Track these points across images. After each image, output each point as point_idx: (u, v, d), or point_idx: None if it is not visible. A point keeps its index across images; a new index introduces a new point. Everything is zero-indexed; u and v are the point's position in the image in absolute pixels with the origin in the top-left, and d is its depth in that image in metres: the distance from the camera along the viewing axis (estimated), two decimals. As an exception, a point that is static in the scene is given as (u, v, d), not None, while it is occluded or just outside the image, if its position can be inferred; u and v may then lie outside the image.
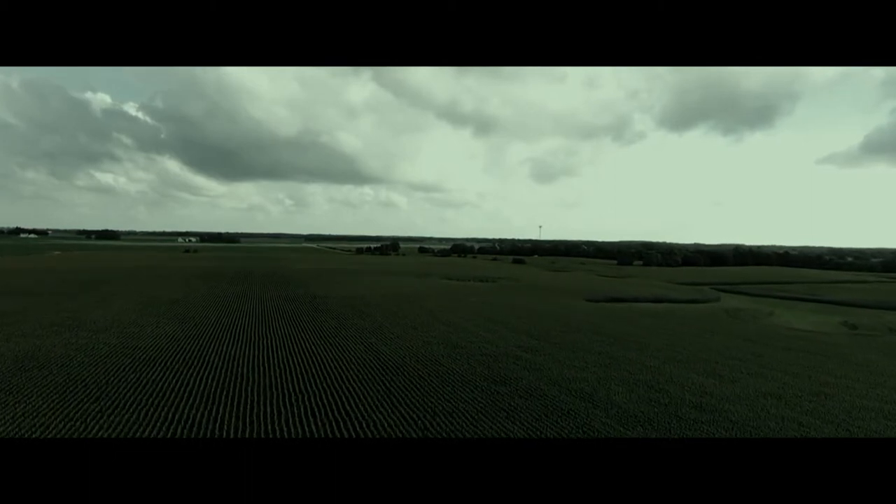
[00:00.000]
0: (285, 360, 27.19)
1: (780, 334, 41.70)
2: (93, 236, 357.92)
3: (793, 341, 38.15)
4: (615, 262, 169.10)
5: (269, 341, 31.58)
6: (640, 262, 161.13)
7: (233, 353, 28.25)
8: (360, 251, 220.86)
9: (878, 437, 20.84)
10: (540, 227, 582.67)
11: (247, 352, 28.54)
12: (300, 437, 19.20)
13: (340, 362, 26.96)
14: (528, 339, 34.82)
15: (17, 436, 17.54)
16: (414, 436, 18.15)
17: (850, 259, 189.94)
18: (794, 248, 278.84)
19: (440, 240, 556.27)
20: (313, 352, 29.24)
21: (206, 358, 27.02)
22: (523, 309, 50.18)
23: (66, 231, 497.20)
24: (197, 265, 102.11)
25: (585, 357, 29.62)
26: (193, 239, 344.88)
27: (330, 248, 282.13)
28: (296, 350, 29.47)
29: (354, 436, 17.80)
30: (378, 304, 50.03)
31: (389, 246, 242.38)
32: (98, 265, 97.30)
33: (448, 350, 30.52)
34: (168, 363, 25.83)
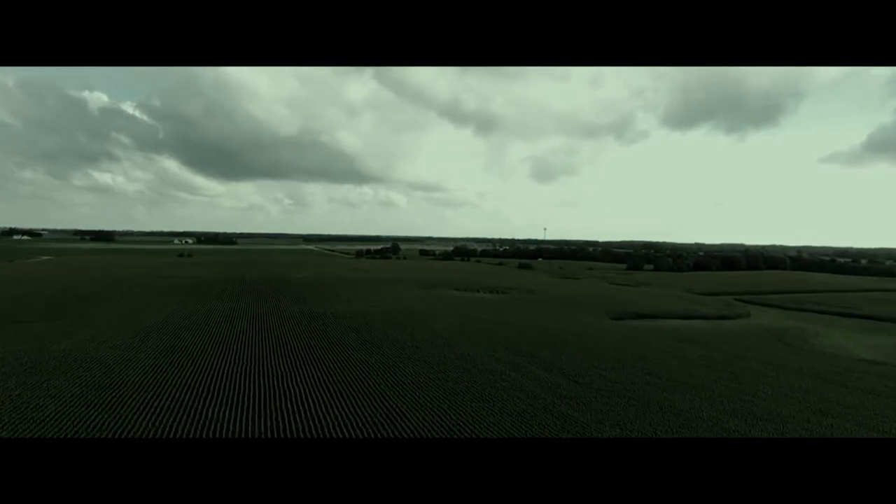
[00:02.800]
0: (273, 424, 21.57)
1: (849, 367, 36.13)
2: (88, 237, 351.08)
3: (872, 379, 32.61)
4: (624, 265, 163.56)
5: (254, 391, 25.93)
6: (651, 266, 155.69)
7: (208, 415, 22.55)
8: (359, 254, 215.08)
9: (878, 437, 20.96)
10: (545, 229, 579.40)
11: (224, 413, 22.83)
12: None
13: (346, 430, 21.33)
14: (567, 382, 29.22)
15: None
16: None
17: (863, 262, 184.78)
18: (795, 248, 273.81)
19: (440, 240, 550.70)
20: (310, 408, 23.62)
21: (175, 425, 21.35)
22: (548, 334, 44.59)
23: (62, 231, 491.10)
24: (189, 274, 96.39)
25: (647, 414, 24.04)
26: (190, 240, 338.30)
27: (329, 250, 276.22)
28: (288, 407, 23.83)
29: None
30: (384, 329, 44.40)
31: (390, 248, 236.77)
32: (83, 274, 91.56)
33: (476, 404, 24.91)
34: (123, 432, 20.16)
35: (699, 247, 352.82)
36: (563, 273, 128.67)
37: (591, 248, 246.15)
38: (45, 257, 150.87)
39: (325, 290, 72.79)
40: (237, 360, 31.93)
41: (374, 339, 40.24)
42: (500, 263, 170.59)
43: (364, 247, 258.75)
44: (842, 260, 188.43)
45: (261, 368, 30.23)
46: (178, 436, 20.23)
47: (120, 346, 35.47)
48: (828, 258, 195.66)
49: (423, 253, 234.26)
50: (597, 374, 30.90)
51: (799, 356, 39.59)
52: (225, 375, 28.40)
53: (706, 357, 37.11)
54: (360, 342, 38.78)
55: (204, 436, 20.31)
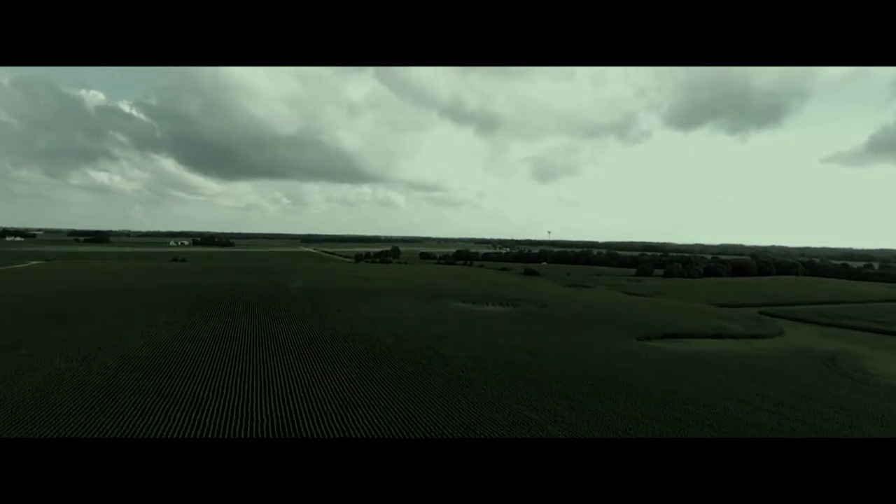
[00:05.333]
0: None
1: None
2: (82, 238, 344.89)
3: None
4: (632, 270, 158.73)
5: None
6: (660, 272, 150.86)
7: None
8: (358, 258, 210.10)
9: (878, 437, 21.02)
10: (549, 232, 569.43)
11: None
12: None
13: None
14: (614, 436, 24.28)
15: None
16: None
17: (876, 266, 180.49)
18: (797, 250, 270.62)
19: (439, 240, 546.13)
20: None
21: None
22: (575, 363, 39.67)
23: (58, 231, 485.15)
24: (180, 283, 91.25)
25: None
26: (186, 241, 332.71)
27: (328, 252, 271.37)
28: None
29: None
30: (392, 355, 39.47)
31: (389, 252, 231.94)
32: (67, 284, 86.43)
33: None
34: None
35: (701, 247, 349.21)
36: (571, 280, 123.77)
37: (595, 252, 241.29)
38: (34, 262, 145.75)
39: (324, 304, 67.75)
40: (221, 413, 26.90)
41: (381, 371, 35.30)
42: (503, 269, 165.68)
43: (363, 248, 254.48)
44: (854, 265, 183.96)
45: (248, 426, 25.18)
46: None
47: (87, 386, 30.46)
48: (839, 262, 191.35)
49: (424, 256, 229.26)
50: (650, 429, 25.94)
51: (867, 394, 34.71)
52: (192, 435, 23.30)
53: (766, 397, 32.14)
54: (364, 374, 33.83)
55: None
